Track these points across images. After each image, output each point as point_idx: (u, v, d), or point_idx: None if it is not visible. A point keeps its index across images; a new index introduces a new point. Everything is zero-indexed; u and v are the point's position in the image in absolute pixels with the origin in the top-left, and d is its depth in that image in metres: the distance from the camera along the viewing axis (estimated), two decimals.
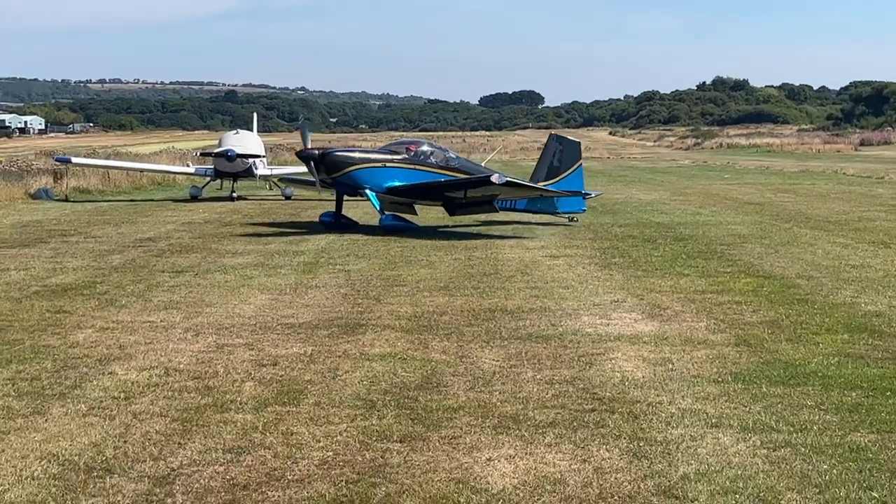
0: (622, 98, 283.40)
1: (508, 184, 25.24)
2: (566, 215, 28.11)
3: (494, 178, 24.90)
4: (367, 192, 26.33)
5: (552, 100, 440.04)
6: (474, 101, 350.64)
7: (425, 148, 27.73)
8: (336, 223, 27.29)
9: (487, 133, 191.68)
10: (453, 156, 28.35)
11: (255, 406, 9.82)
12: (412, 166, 26.80)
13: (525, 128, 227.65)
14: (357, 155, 27.10)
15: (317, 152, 26.67)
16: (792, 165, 67.34)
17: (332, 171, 26.45)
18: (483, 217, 28.62)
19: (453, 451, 8.48)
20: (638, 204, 34.92)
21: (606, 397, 10.06)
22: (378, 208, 26.38)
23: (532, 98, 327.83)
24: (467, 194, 26.08)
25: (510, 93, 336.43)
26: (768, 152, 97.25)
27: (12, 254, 21.94)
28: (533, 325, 13.76)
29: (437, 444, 8.67)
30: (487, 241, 23.68)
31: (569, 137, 30.69)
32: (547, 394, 10.22)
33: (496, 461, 8.23)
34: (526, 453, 8.41)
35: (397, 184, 26.49)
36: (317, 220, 28.51)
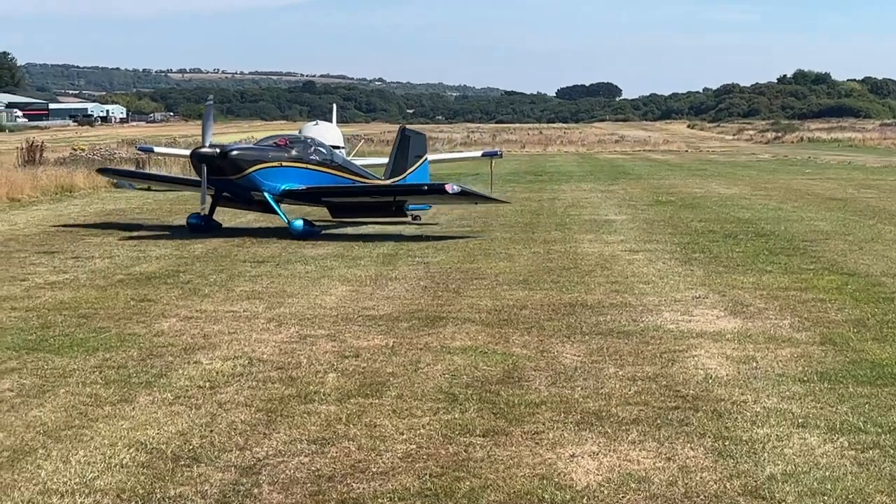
0: (701, 91, 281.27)
1: (463, 193, 24.07)
2: (411, 213, 26.29)
3: (449, 188, 23.34)
4: (266, 195, 23.83)
5: (630, 92, 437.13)
6: (551, 92, 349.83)
7: (301, 144, 25.30)
8: (206, 226, 24.06)
9: (564, 125, 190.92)
10: (335, 153, 26.63)
11: (338, 397, 9.88)
12: (303, 165, 24.49)
13: (602, 120, 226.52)
14: (257, 153, 24.25)
15: (217, 150, 23.54)
16: (875, 160, 66.29)
17: (232, 173, 23.54)
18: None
19: (536, 447, 8.46)
20: (718, 198, 34.58)
21: (690, 395, 9.98)
22: (282, 214, 23.99)
23: (610, 90, 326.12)
24: (396, 200, 24.33)
25: (587, 85, 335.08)
26: (850, 147, 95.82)
27: (97, 242, 22.28)
28: (614, 320, 13.69)
29: (520, 439, 8.66)
30: (566, 235, 23.59)
31: (416, 131, 29.36)
32: (629, 390, 10.16)
33: (580, 457, 8.21)
34: (609, 450, 8.37)
35: (297, 186, 24.17)
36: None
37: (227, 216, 25.89)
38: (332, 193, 24.74)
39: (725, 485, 7.61)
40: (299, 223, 23.48)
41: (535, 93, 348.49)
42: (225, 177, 23.48)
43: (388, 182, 26.50)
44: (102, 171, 32.47)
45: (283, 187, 24.02)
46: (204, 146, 23.50)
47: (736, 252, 20.37)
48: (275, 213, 24.33)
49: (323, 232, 24.32)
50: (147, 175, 34.70)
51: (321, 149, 25.49)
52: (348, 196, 24.96)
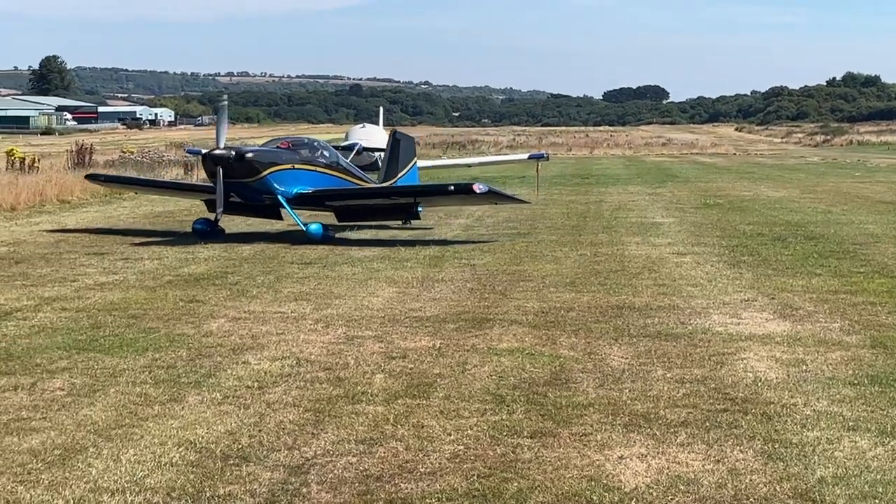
0: (749, 93, 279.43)
1: (490, 193, 23.38)
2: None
3: (476, 188, 22.64)
4: (281, 199, 23.20)
5: (677, 95, 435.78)
6: (598, 95, 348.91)
7: (307, 147, 24.64)
8: (212, 231, 23.40)
9: (611, 128, 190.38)
10: (340, 156, 25.96)
11: (385, 398, 9.91)
12: (313, 168, 23.93)
13: (649, 123, 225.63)
14: (273, 155, 23.57)
15: (232, 152, 22.66)
16: None
17: (246, 176, 22.72)
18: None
19: (584, 449, 8.44)
20: (766, 201, 34.35)
21: (739, 398, 9.92)
22: (297, 218, 23.22)
23: (656, 93, 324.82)
24: (416, 201, 23.91)
25: (634, 87, 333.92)
26: None
27: (145, 243, 22.45)
28: (661, 322, 13.64)
29: (568, 440, 8.64)
30: (613, 238, 23.52)
31: (406, 135, 28.96)
32: (678, 393, 10.12)
33: (628, 459, 8.18)
34: (658, 452, 8.34)
35: (308, 189, 23.51)
36: (449, 216, 28.41)
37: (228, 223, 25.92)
38: (349, 196, 24.24)
39: (775, 488, 7.56)
40: (317, 227, 22.76)
41: (582, 95, 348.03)
42: (239, 180, 22.57)
43: (409, 183, 26.15)
44: (92, 177, 30.19)
45: (295, 190, 23.35)
46: (218, 148, 22.76)
47: (785, 255, 20.22)
48: (277, 217, 24.28)
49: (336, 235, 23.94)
50: (138, 181, 32.80)
51: (326, 151, 25.00)
52: (366, 198, 24.40)
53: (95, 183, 30.60)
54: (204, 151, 23.44)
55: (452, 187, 23.82)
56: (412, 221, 25.79)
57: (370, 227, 25.78)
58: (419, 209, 24.77)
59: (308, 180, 23.58)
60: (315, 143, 25.19)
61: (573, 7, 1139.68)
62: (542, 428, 8.95)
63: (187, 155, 44.88)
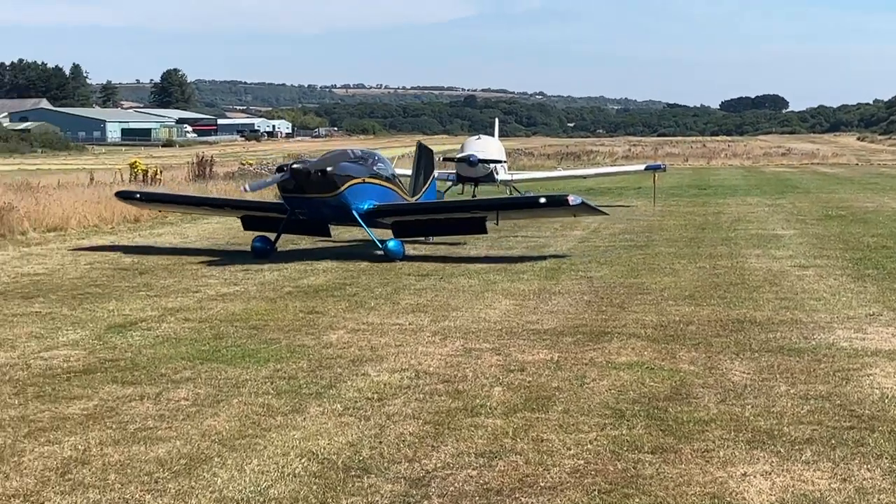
0: (871, 102, 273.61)
1: (584, 206, 22.19)
2: None
3: (571, 200, 21.59)
4: (356, 215, 22.01)
5: (797, 104, 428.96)
6: (715, 104, 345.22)
7: (363, 158, 23.34)
8: (271, 250, 22.31)
9: (728, 138, 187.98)
10: (390, 165, 24.78)
11: (504, 411, 9.90)
12: (376, 181, 22.75)
13: (768, 133, 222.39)
14: (351, 169, 22.24)
15: (311, 166, 21.56)
16: None
17: (326, 191, 21.56)
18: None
19: (707, 465, 8.34)
20: (891, 213, 33.55)
21: (865, 415, 9.71)
22: (373, 235, 22.22)
23: (776, 102, 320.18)
24: (499, 216, 23.18)
25: (753, 97, 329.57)
26: None
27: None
28: (784, 337, 13.41)
29: (690, 456, 8.55)
30: (732, 250, 23.20)
31: (427, 146, 27.97)
32: (802, 409, 9.94)
33: (752, 477, 8.06)
34: (782, 470, 8.20)
35: (375, 204, 22.29)
36: (564, 228, 28.28)
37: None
38: (428, 210, 23.50)
39: None
40: (396, 244, 21.84)
41: (699, 105, 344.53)
42: (317, 195, 21.46)
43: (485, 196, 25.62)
44: (121, 194, 26.93)
45: (366, 206, 22.16)
46: (300, 162, 22.01)
47: None
48: (327, 234, 23.64)
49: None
50: (170, 197, 28.57)
51: (382, 163, 23.90)
52: (446, 213, 23.21)
53: (124, 201, 27.07)
54: (285, 167, 21.92)
55: (544, 199, 22.43)
56: (431, 238, 24.72)
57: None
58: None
59: (375, 195, 22.55)
60: (375, 155, 24.29)
61: (691, 16, 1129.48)
62: (663, 443, 8.87)
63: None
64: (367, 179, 22.31)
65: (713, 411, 9.89)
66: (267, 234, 22.53)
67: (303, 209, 21.96)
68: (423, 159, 26.35)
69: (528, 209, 23.54)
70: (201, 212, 29.02)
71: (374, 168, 23.07)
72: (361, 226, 22.31)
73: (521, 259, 21.78)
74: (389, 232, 22.84)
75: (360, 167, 22.54)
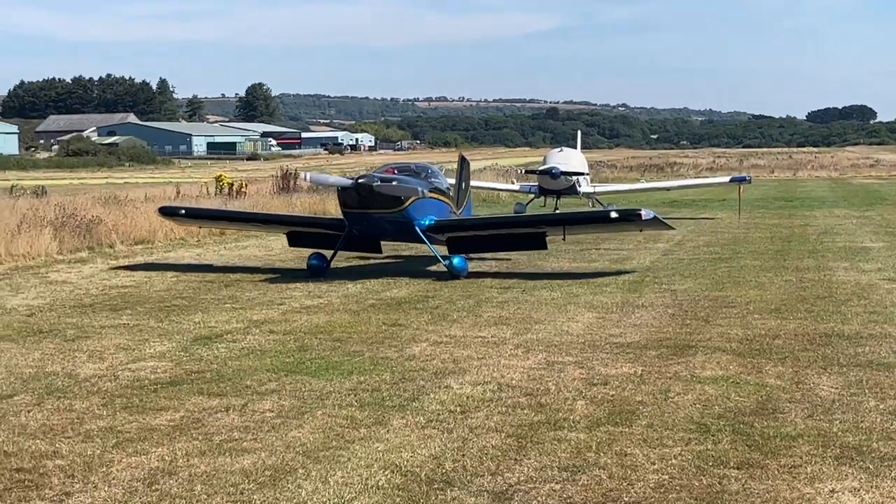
0: None
1: (655, 220, 21.24)
2: None
3: (644, 214, 20.84)
4: (419, 231, 21.24)
5: (886, 114, 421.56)
6: (801, 115, 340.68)
7: (419, 172, 22.61)
8: (326, 268, 21.55)
9: (815, 149, 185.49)
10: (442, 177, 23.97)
11: (587, 425, 9.86)
12: (434, 196, 21.96)
13: (856, 144, 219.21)
14: (415, 184, 21.36)
15: (377, 181, 20.59)
16: None
17: (390, 206, 20.75)
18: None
19: (794, 481, 8.23)
20: None
21: None
22: (436, 252, 21.43)
23: (863, 112, 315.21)
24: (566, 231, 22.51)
25: (840, 107, 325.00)
26: None
27: (348, 267, 22.89)
28: (873, 351, 13.19)
29: (776, 472, 8.44)
30: (819, 263, 22.88)
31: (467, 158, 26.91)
32: (892, 425, 9.77)
33: (840, 493, 7.94)
34: (872, 486, 8.07)
35: (434, 220, 21.58)
36: (647, 240, 27.95)
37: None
38: (490, 226, 23.07)
39: None
40: (461, 260, 21.08)
41: (785, 116, 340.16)
42: (380, 210, 20.66)
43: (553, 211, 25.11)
44: (164, 210, 25.40)
45: (427, 222, 21.40)
46: (365, 176, 21.10)
47: None
48: (378, 251, 22.55)
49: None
50: (215, 213, 27.63)
51: (437, 177, 23.19)
52: (511, 228, 22.69)
53: (173, 220, 25.99)
54: (351, 181, 21.04)
55: (615, 214, 21.68)
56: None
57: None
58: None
59: (434, 210, 21.84)
60: (430, 168, 23.68)
61: (778, 27, 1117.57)
62: (749, 459, 8.77)
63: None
64: (427, 194, 21.57)
65: (800, 426, 9.76)
66: (322, 252, 21.85)
67: (364, 225, 21.12)
68: (465, 172, 25.71)
69: (597, 224, 23.04)
70: (249, 228, 27.95)
71: (432, 181, 22.48)
72: (424, 242, 21.60)
73: (604, 272, 21.67)
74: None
75: (421, 181, 21.91)
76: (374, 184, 20.36)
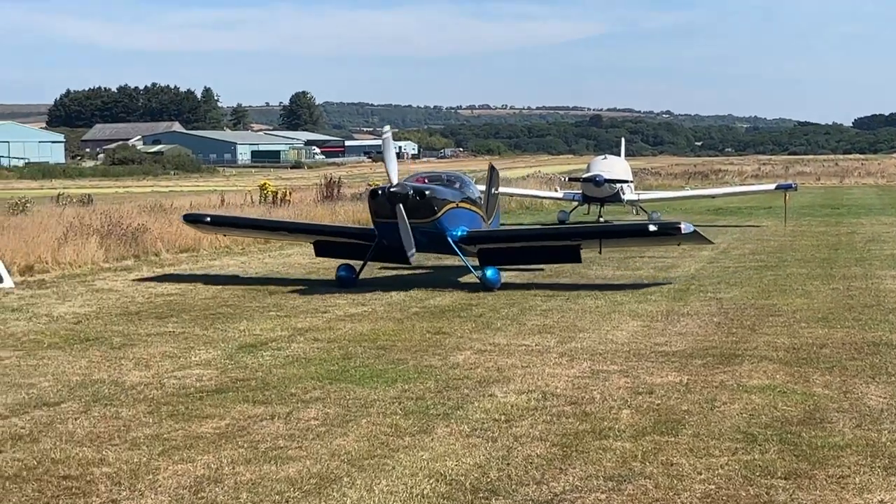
0: None
1: (694, 234, 20.56)
2: None
3: (683, 227, 20.24)
4: (451, 242, 20.76)
5: None
6: (847, 122, 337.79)
7: (449, 181, 22.07)
8: (356, 279, 21.09)
9: (862, 156, 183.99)
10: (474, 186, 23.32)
11: (633, 434, 9.81)
12: (466, 205, 21.55)
13: None
14: (448, 193, 21.07)
15: (410, 189, 20.06)
16: None
17: (423, 216, 20.22)
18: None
19: (842, 491, 8.15)
20: None
21: None
22: (468, 263, 21.01)
23: None
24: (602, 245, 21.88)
25: (887, 114, 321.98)
26: None
27: (392, 275, 22.93)
28: None
29: (824, 482, 8.36)
30: (867, 271, 22.68)
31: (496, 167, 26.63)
32: None
33: None
34: None
35: (467, 230, 21.06)
36: (692, 248, 27.53)
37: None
38: (523, 238, 22.83)
39: None
40: (494, 272, 20.45)
41: (831, 123, 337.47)
42: (412, 221, 19.79)
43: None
44: (189, 218, 24.92)
45: (459, 232, 20.90)
46: (394, 184, 19.97)
47: None
48: (406, 262, 20.78)
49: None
50: (240, 221, 26.80)
51: (468, 186, 22.60)
52: (545, 240, 22.35)
53: (197, 227, 25.36)
54: (382, 189, 20.31)
55: (654, 228, 21.00)
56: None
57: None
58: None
59: (466, 220, 21.32)
60: (462, 178, 23.12)
61: (829, 32, 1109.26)
62: (796, 469, 8.69)
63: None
64: (459, 204, 21.18)
65: (848, 436, 9.66)
66: (350, 263, 21.42)
67: (396, 236, 20.08)
68: (495, 181, 25.23)
69: (634, 237, 22.47)
70: (276, 237, 27.51)
71: (464, 191, 21.98)
72: (456, 253, 21.10)
73: (649, 280, 21.57)
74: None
75: (454, 191, 21.49)
76: (407, 192, 19.94)
